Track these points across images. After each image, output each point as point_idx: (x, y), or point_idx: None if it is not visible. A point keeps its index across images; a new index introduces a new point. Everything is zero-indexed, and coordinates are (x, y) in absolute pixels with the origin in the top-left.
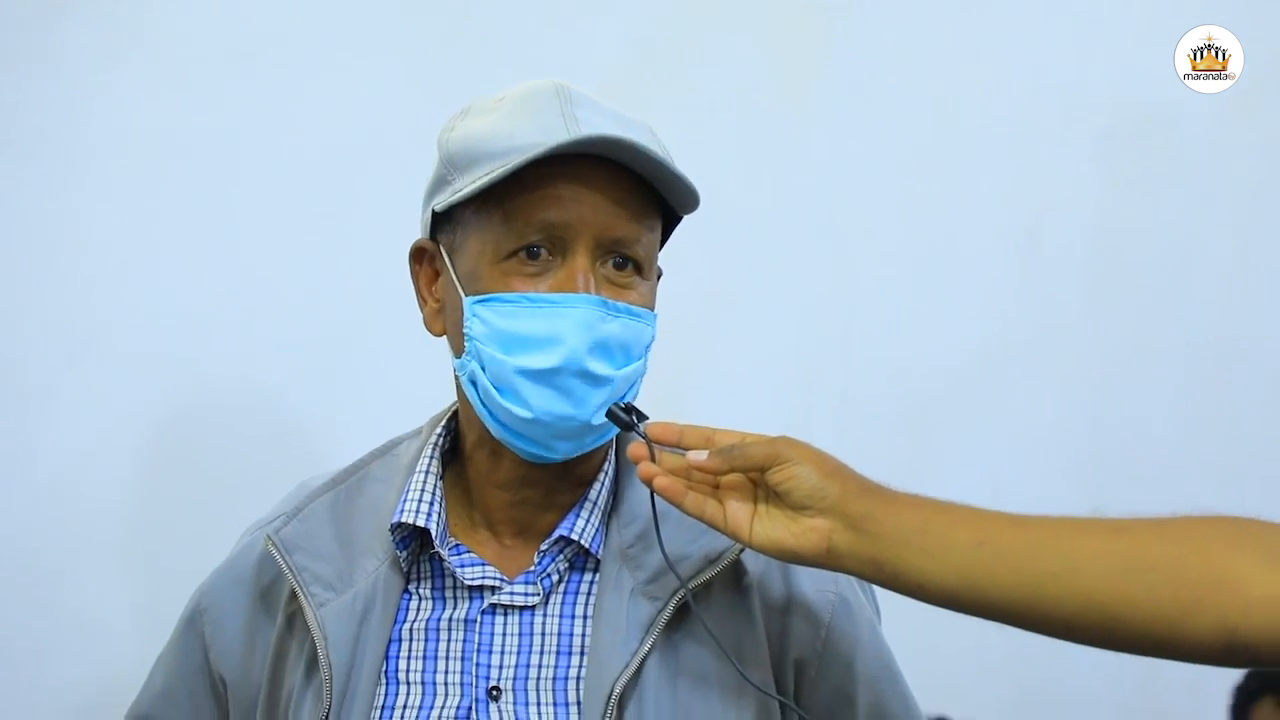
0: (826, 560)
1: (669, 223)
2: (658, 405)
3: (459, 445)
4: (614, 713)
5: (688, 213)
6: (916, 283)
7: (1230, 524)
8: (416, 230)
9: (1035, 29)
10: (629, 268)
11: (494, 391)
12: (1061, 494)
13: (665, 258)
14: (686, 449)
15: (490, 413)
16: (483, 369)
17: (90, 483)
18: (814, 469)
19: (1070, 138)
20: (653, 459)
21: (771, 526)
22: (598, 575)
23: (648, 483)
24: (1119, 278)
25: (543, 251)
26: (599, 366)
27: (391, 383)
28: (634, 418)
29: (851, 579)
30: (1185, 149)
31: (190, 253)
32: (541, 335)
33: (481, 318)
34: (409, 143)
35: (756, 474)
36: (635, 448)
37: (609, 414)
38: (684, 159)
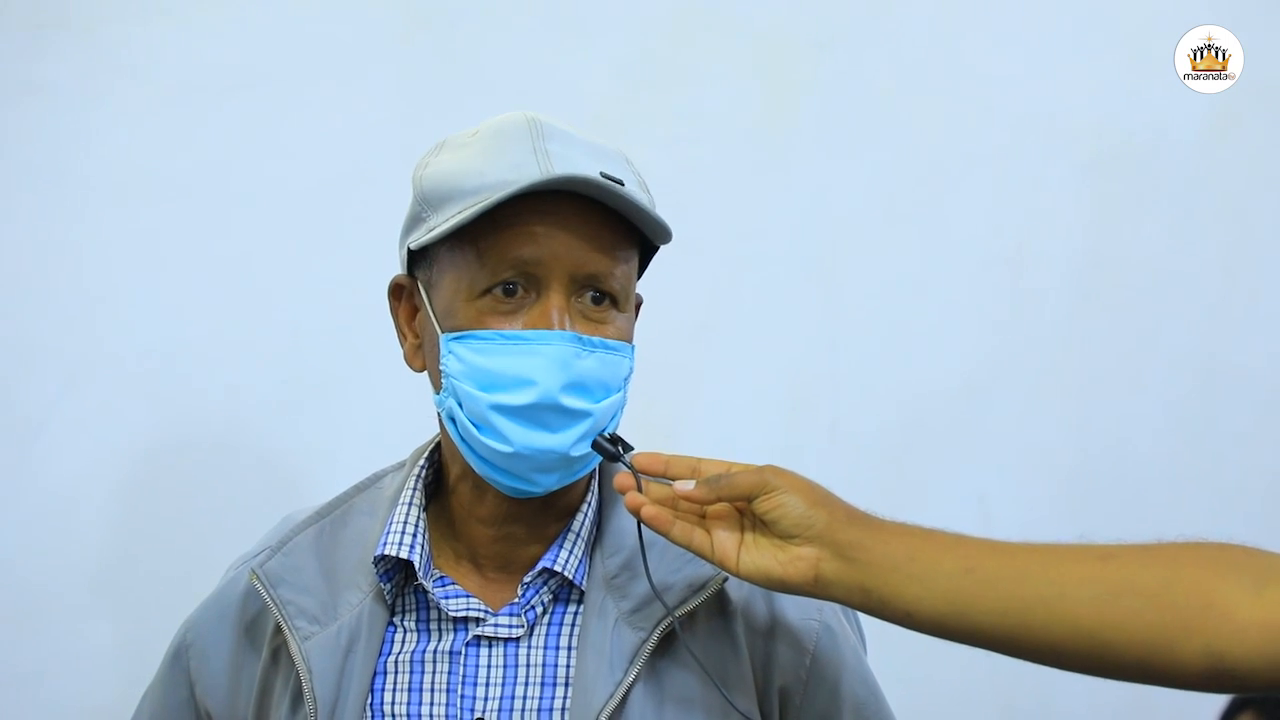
0: (814, 589)
1: (646, 253)
2: (645, 436)
3: (442, 477)
4: None
5: (662, 244)
6: (904, 310)
7: (1216, 550)
8: (397, 265)
9: (1023, 54)
10: (605, 302)
11: (472, 428)
12: (1051, 518)
13: (651, 287)
14: (673, 479)
15: (471, 448)
16: (460, 406)
17: (75, 516)
18: (801, 498)
19: (1056, 162)
20: (639, 489)
21: (759, 555)
22: (582, 606)
23: (635, 512)
24: (1105, 302)
25: (517, 288)
26: (575, 402)
27: (376, 416)
28: (620, 448)
29: (836, 606)
30: (1171, 171)
31: (176, 286)
32: (516, 373)
33: (458, 355)
34: (396, 174)
35: (743, 503)
36: (622, 478)
37: (595, 445)
38: (669, 188)
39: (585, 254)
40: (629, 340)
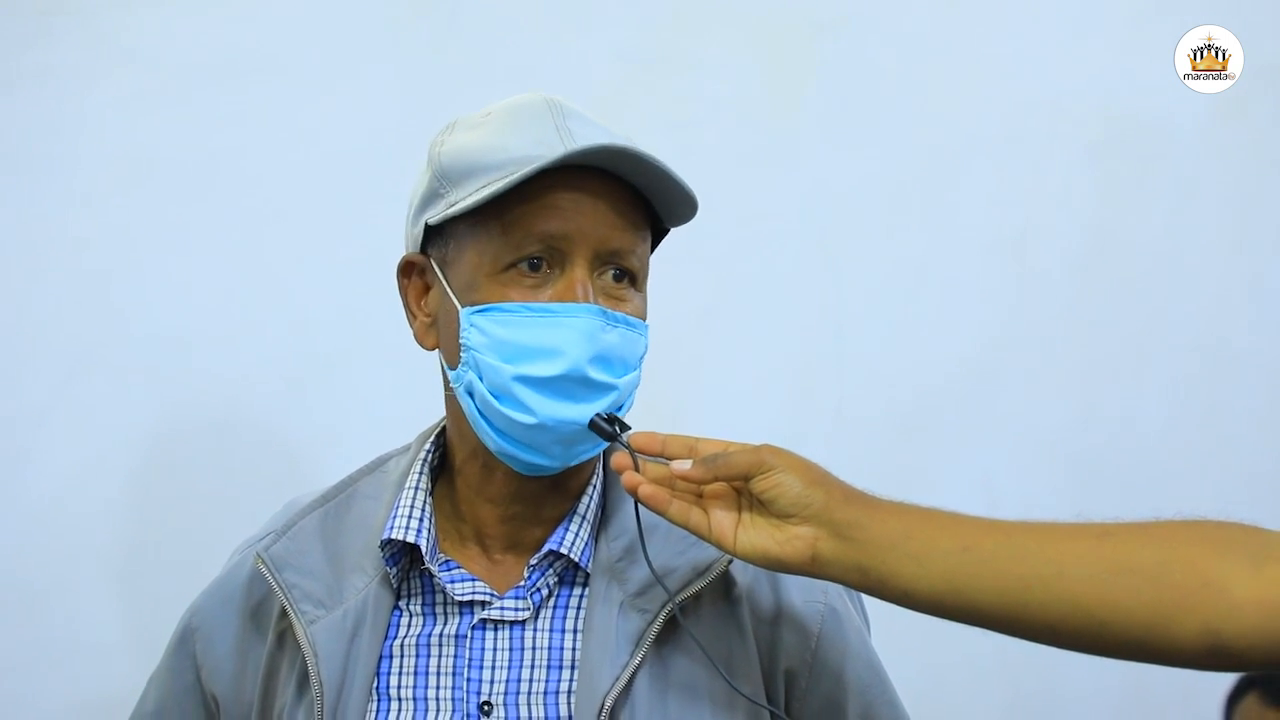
0: (812, 568)
1: (655, 236)
2: (652, 418)
3: (448, 461)
4: None
5: (684, 222)
6: (909, 294)
7: (1213, 528)
8: (402, 248)
9: (1028, 38)
10: (625, 279)
11: (493, 400)
12: (1056, 502)
13: (656, 271)
14: (670, 458)
15: (489, 422)
16: (480, 378)
17: (81, 504)
18: (798, 477)
19: (1060, 146)
20: (636, 469)
21: (756, 535)
22: (587, 589)
23: (632, 492)
24: (1109, 285)
25: (542, 263)
26: (601, 375)
27: (379, 400)
28: (616, 428)
29: (840, 589)
30: (1175, 156)
31: (180, 272)
32: (543, 345)
33: (480, 328)
34: (398, 160)
35: (740, 483)
36: (619, 458)
37: (591, 425)
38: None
39: (609, 230)
40: (644, 319)
